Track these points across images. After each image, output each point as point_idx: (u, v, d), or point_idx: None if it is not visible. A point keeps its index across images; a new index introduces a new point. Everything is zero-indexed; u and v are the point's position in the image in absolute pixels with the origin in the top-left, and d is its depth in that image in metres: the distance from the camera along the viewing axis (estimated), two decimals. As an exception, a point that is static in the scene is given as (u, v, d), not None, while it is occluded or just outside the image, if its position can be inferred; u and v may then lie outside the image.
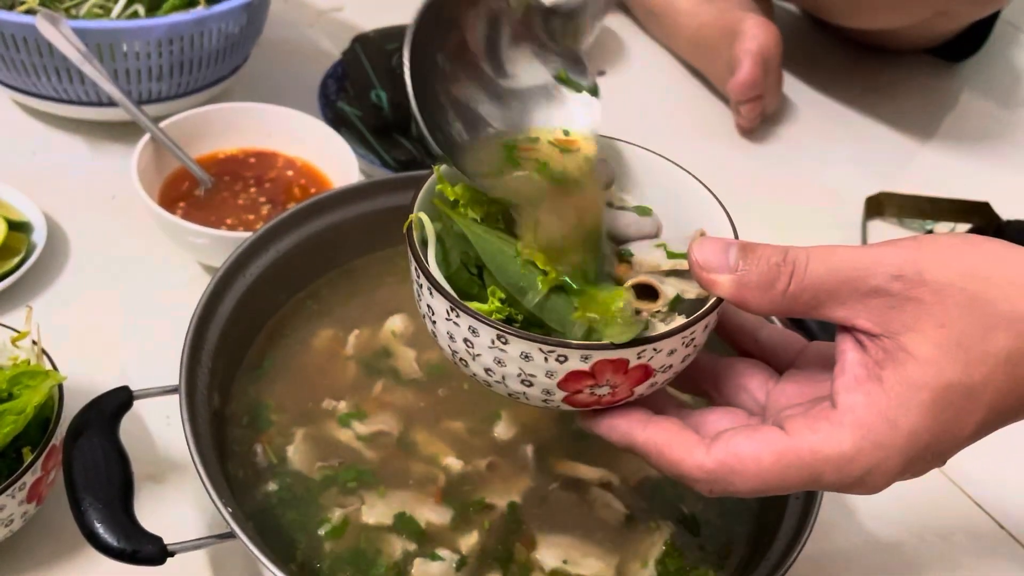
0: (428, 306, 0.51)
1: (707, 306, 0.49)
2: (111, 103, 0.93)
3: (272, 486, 0.63)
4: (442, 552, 0.59)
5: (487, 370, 0.50)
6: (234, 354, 0.68)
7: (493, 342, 0.48)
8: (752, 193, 1.06)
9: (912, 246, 0.46)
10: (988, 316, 0.45)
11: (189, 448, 0.57)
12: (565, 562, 0.60)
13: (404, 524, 0.61)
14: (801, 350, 0.54)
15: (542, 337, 0.47)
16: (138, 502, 0.58)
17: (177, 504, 0.70)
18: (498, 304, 0.49)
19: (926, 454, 0.46)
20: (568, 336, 0.48)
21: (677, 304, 0.50)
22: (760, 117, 1.14)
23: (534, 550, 0.61)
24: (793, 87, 1.23)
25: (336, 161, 0.91)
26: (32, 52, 0.90)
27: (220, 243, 0.81)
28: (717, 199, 0.55)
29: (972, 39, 1.27)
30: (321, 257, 0.74)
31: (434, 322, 0.51)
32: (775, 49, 1.12)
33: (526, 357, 0.48)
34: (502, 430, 0.66)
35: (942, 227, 1.05)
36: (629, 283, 0.50)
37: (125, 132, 0.97)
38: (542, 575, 0.60)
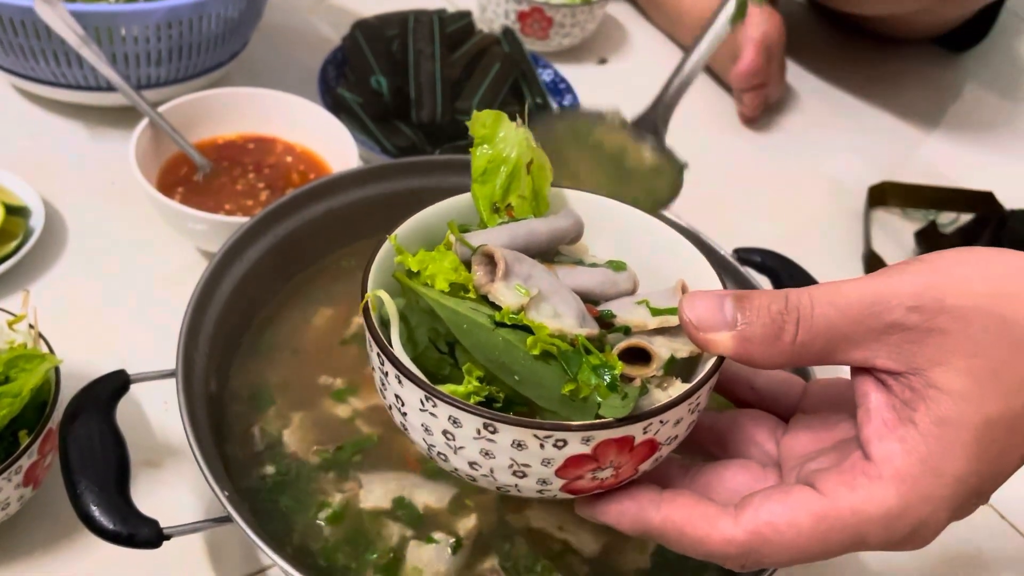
0: (396, 396, 0.45)
1: (710, 367, 0.45)
2: (110, 88, 0.93)
3: (269, 469, 0.62)
4: (437, 535, 0.59)
5: (472, 464, 0.44)
6: (231, 339, 0.68)
7: (479, 432, 0.43)
8: (754, 183, 1.05)
9: (925, 270, 0.42)
10: (1021, 339, 0.41)
11: (186, 432, 0.57)
12: (560, 528, 0.60)
13: (402, 508, 0.61)
14: (803, 392, 0.50)
15: (537, 422, 0.42)
16: (135, 486, 0.58)
17: (174, 488, 0.70)
18: (476, 384, 0.44)
19: (972, 497, 0.42)
20: (560, 414, 0.43)
21: (671, 365, 0.46)
22: (763, 106, 1.14)
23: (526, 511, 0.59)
24: (796, 76, 1.22)
25: (335, 147, 0.91)
26: (30, 35, 0.89)
27: (218, 228, 0.80)
28: (695, 245, 0.51)
29: (976, 29, 1.26)
30: (319, 243, 0.74)
31: (404, 414, 0.45)
32: (778, 37, 1.11)
33: (519, 446, 0.42)
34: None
35: (945, 217, 1.04)
36: (619, 347, 0.45)
37: (124, 117, 0.96)
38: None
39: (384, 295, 0.46)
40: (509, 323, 0.44)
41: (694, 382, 0.45)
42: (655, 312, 0.47)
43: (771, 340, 0.43)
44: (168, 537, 0.55)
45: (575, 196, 0.54)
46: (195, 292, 0.65)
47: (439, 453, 0.46)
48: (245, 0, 0.96)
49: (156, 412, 0.75)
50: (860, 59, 1.27)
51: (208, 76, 1.00)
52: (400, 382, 0.44)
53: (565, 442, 0.42)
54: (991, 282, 0.42)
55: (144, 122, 0.87)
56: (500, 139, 0.51)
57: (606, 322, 0.48)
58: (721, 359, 0.45)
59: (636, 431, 0.43)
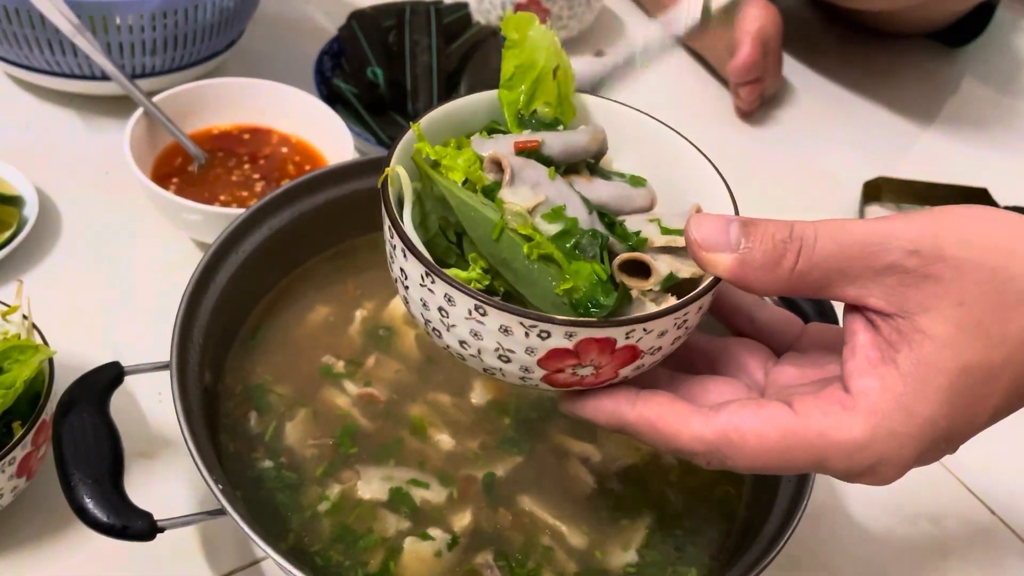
0: (401, 269, 0.47)
1: (703, 286, 0.46)
2: (104, 77, 0.92)
3: (264, 462, 0.62)
4: (434, 532, 0.59)
5: (462, 342, 0.47)
6: (226, 331, 0.68)
7: (470, 312, 0.45)
8: (750, 176, 1.05)
9: (929, 219, 0.43)
10: (1009, 294, 0.42)
11: (180, 425, 0.57)
12: (553, 517, 0.60)
13: (400, 500, 0.61)
14: (800, 332, 0.52)
15: (524, 310, 0.44)
16: (128, 478, 0.58)
17: (168, 481, 0.70)
18: (479, 273, 0.46)
19: (940, 442, 0.44)
20: (550, 312, 0.45)
21: (670, 283, 0.47)
22: (759, 100, 1.13)
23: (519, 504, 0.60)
24: (793, 70, 1.22)
25: (331, 138, 0.90)
26: (24, 24, 0.89)
27: (213, 220, 0.80)
28: (718, 171, 0.52)
29: (973, 24, 1.26)
30: (315, 235, 0.73)
31: (407, 287, 0.48)
32: (775, 31, 1.11)
33: (505, 331, 0.44)
34: (482, 400, 0.66)
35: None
36: (619, 258, 0.47)
37: (118, 106, 0.96)
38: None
39: (403, 172, 0.48)
40: (514, 227, 0.45)
41: (684, 298, 0.46)
42: (664, 231, 0.48)
43: (770, 266, 0.44)
44: (162, 529, 0.55)
45: (604, 106, 0.54)
46: (190, 284, 0.65)
47: (434, 329, 0.48)
48: (241, -11, 0.96)
49: (150, 403, 0.75)
50: (856, 54, 1.27)
51: (204, 66, 0.99)
52: (405, 256, 0.46)
53: (549, 334, 0.44)
54: (990, 238, 0.43)
55: (139, 112, 0.87)
56: (529, 44, 0.52)
57: (616, 233, 0.49)
58: (717, 280, 0.46)
59: (618, 334, 0.44)
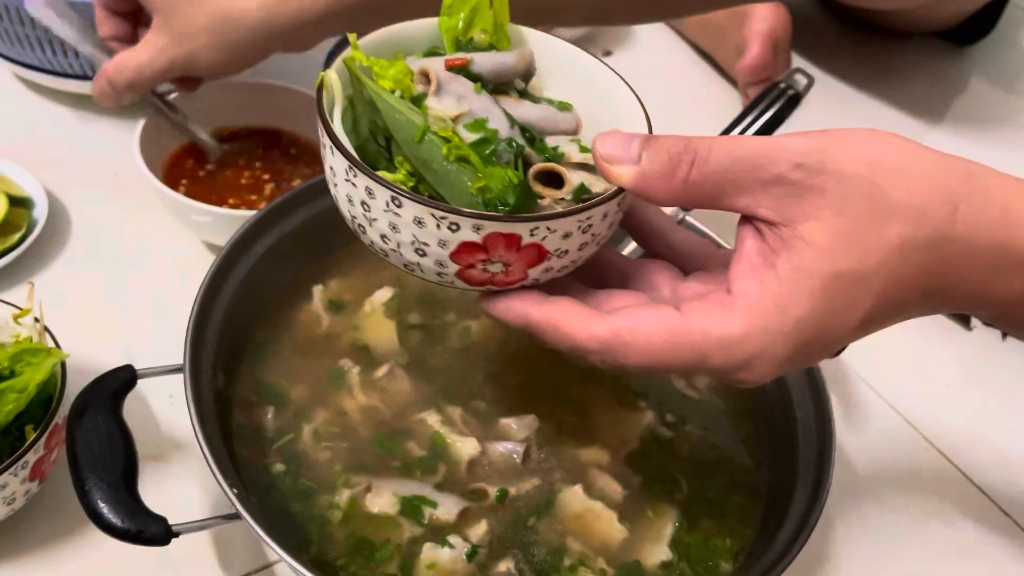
0: (331, 167, 0.50)
1: (606, 194, 0.49)
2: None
3: (277, 466, 0.62)
4: (453, 539, 0.59)
5: (383, 236, 0.49)
6: (238, 334, 0.68)
7: (388, 204, 0.47)
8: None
9: (818, 136, 0.46)
10: (886, 205, 0.45)
11: (194, 429, 0.57)
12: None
13: (411, 511, 0.60)
14: (711, 255, 0.54)
15: (434, 202, 0.46)
16: (141, 481, 0.58)
17: (180, 483, 0.70)
18: (404, 175, 0.49)
19: (813, 342, 0.46)
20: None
21: (581, 194, 0.49)
22: (768, 100, 1.13)
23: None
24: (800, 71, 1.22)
25: (341, 139, 0.90)
26: (37, 26, 0.89)
27: (223, 221, 0.80)
28: (640, 101, 0.54)
29: (982, 23, 1.26)
30: (326, 237, 0.73)
31: (335, 184, 0.50)
32: (785, 31, 1.11)
33: (419, 223, 0.47)
34: (505, 418, 0.66)
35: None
36: (534, 168, 0.49)
37: (127, 108, 0.95)
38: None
39: (335, 77, 0.51)
40: (435, 130, 0.48)
41: (588, 203, 0.48)
42: (583, 150, 0.51)
43: (666, 176, 0.46)
44: (177, 534, 0.55)
45: (538, 37, 0.57)
46: (202, 286, 0.64)
47: (359, 225, 0.50)
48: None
49: (161, 405, 0.75)
50: (865, 53, 1.26)
51: (212, 67, 0.99)
52: (333, 153, 0.49)
53: (458, 226, 0.46)
54: (874, 155, 0.46)
55: (149, 113, 0.86)
56: None
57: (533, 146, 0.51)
58: (620, 190, 0.48)
59: (523, 230, 0.47)
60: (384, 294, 0.72)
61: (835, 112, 1.18)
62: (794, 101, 0.83)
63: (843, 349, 0.49)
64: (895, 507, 0.76)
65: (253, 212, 0.70)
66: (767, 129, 0.82)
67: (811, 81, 0.83)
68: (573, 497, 0.62)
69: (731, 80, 1.17)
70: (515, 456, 0.64)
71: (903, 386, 0.85)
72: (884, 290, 0.45)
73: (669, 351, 0.46)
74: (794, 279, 0.45)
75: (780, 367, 0.46)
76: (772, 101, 0.83)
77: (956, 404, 0.85)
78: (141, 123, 0.85)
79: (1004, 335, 0.91)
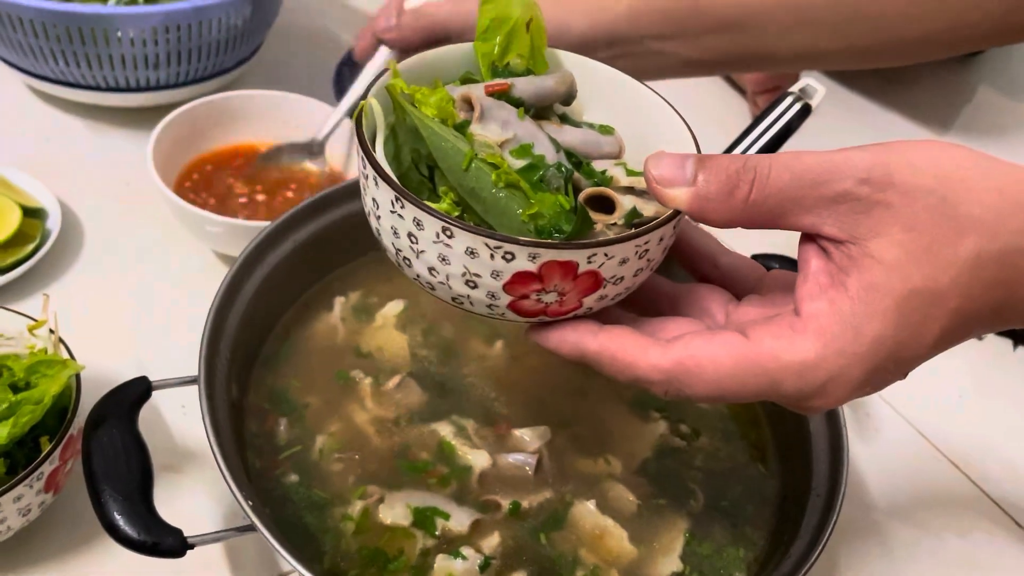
0: (373, 199, 0.48)
1: (663, 217, 0.47)
2: (126, 88, 0.93)
3: (291, 477, 0.62)
4: (466, 551, 0.59)
5: (431, 269, 0.47)
6: (251, 345, 0.68)
7: (438, 236, 0.45)
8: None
9: (881, 149, 0.44)
10: (958, 219, 0.43)
11: (209, 441, 0.57)
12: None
13: (424, 522, 0.60)
14: (762, 277, 0.53)
15: (489, 231, 0.45)
16: (155, 493, 0.58)
17: (193, 494, 0.70)
18: (450, 204, 0.47)
19: (888, 363, 0.44)
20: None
21: (633, 218, 0.48)
22: (777, 109, 1.13)
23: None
24: (811, 78, 1.22)
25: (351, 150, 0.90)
26: (51, 38, 0.89)
27: (236, 232, 0.80)
28: (684, 121, 0.52)
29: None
30: (339, 247, 0.73)
31: (379, 217, 0.48)
32: (793, 40, 1.11)
33: (472, 253, 0.45)
34: (517, 429, 0.66)
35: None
36: (585, 192, 0.48)
37: (140, 118, 0.96)
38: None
39: (376, 105, 0.49)
40: (482, 157, 0.46)
41: (645, 226, 0.46)
42: (630, 173, 0.50)
43: (724, 197, 0.44)
44: (192, 546, 0.55)
45: (576, 61, 0.56)
46: (216, 297, 0.65)
47: (404, 258, 0.48)
48: (250, 6, 0.95)
49: (174, 416, 0.75)
50: (873, 61, 1.26)
51: (220, 79, 1.00)
52: (377, 184, 0.47)
53: (513, 256, 0.44)
54: (940, 167, 0.44)
55: (161, 123, 0.87)
56: None
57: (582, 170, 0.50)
58: (676, 213, 0.47)
59: (580, 257, 0.45)
60: (396, 306, 0.72)
61: (844, 121, 1.18)
62: (805, 111, 0.82)
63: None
64: (907, 518, 0.76)
65: (266, 223, 0.70)
66: (779, 139, 0.82)
67: (821, 91, 0.82)
68: (586, 513, 0.62)
69: (739, 89, 1.17)
70: (527, 467, 0.64)
71: (914, 396, 0.85)
72: (959, 307, 0.44)
73: (738, 379, 0.44)
74: (866, 299, 0.43)
75: (854, 391, 0.45)
76: (783, 111, 0.83)
77: (968, 415, 0.85)
78: (154, 134, 0.86)
79: (1015, 345, 0.91)
